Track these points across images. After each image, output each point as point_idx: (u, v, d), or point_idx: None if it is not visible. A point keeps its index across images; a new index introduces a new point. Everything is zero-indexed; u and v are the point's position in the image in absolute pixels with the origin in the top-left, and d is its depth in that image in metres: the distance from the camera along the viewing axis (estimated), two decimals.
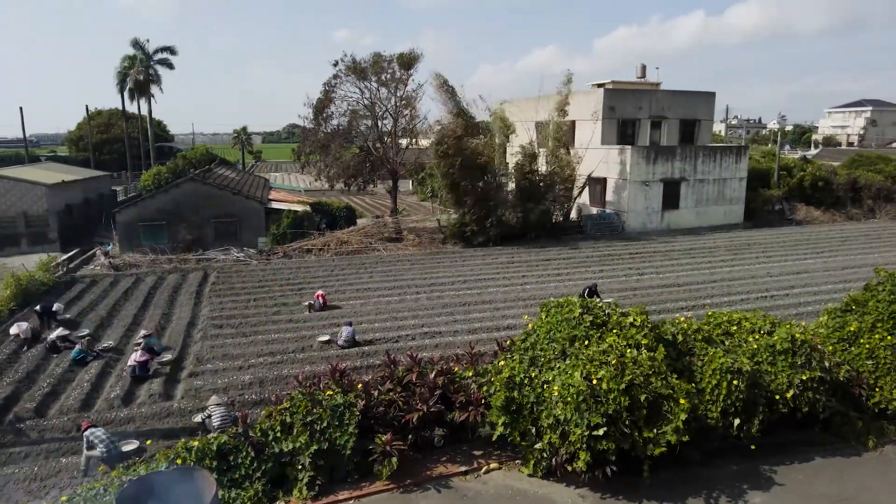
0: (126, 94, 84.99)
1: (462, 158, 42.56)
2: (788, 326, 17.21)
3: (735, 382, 14.99)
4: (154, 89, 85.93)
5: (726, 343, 17.21)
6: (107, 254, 41.09)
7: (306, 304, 29.48)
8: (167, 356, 23.39)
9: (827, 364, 16.52)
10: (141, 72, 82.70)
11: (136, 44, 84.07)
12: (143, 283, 34.14)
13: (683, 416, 13.95)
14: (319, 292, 29.85)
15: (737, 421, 15.05)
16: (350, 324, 24.91)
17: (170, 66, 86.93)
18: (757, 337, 17.10)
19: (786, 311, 26.86)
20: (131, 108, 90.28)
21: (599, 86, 53.97)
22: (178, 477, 11.84)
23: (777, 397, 15.70)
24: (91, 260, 40.77)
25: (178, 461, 13.82)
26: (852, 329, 18.59)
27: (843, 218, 55.68)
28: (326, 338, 24.64)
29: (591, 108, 49.14)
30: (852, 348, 18.23)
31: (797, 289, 31.46)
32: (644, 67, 57.15)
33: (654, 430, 14.01)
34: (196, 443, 14.29)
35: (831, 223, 53.76)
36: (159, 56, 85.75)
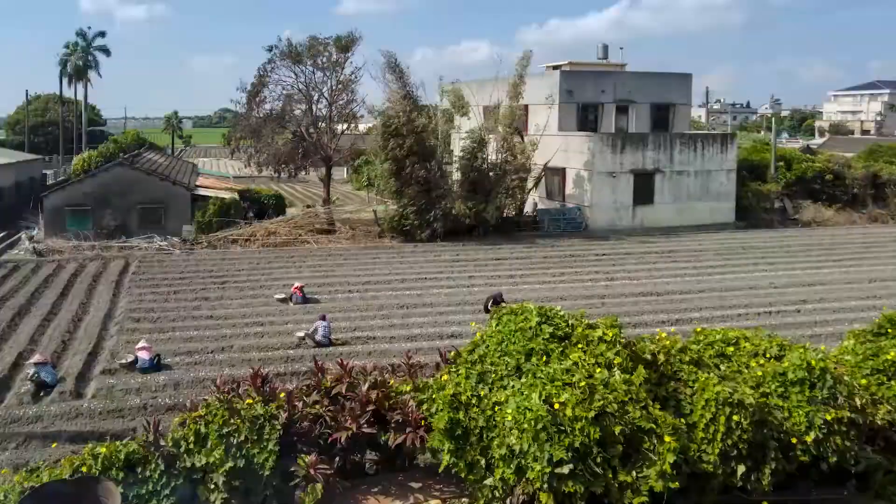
0: (66, 79, 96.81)
1: (413, 139, 42.54)
2: (802, 350, 15.37)
3: (735, 418, 13.14)
4: (92, 75, 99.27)
5: (721, 367, 15.51)
6: (31, 238, 43.19)
7: (279, 297, 30.04)
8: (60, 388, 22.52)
9: (858, 402, 14.68)
10: (80, 58, 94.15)
11: (81, 33, 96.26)
12: (63, 271, 35.72)
13: (671, 459, 12.42)
14: (297, 285, 30.30)
15: (741, 468, 13.17)
16: (324, 317, 25.10)
17: (106, 52, 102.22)
18: (762, 362, 15.37)
19: (797, 331, 25.40)
20: (69, 93, 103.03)
21: (555, 67, 54.59)
22: (80, 487, 11.75)
23: (794, 440, 13.81)
24: (16, 244, 43.36)
25: (83, 469, 13.18)
26: (890, 357, 16.14)
27: (863, 219, 54.05)
28: (301, 333, 24.76)
29: (546, 91, 48.82)
30: (892, 382, 15.83)
31: (810, 304, 30.03)
32: (606, 47, 58.36)
33: (634, 473, 12.61)
34: (103, 450, 13.55)
35: (849, 225, 52.37)
36: (98, 42, 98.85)
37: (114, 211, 45.22)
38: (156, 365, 21.76)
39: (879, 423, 14.56)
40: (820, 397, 13.80)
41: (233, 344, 24.20)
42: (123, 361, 22.03)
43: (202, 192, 51.99)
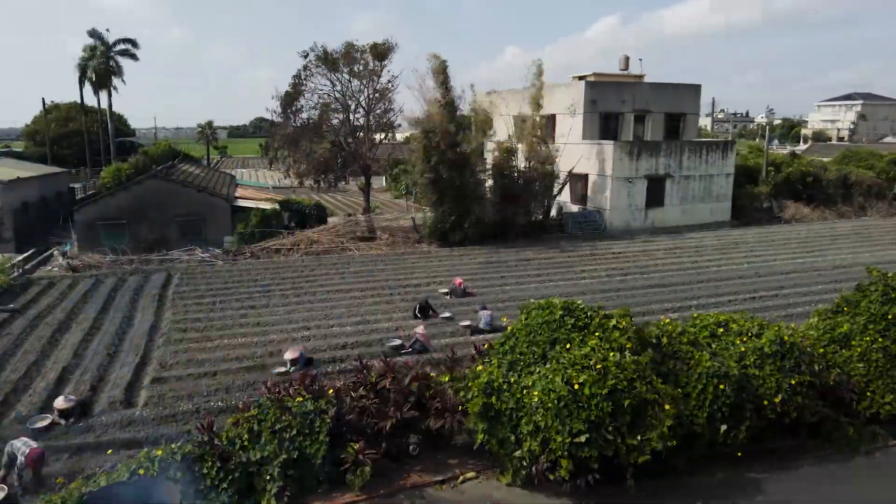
0: (87, 86, 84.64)
1: (451, 151, 42.28)
2: (777, 329, 17.36)
3: (722, 387, 15.07)
4: (117, 82, 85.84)
5: (713, 346, 17.28)
6: (65, 254, 40.35)
7: (444, 291, 31.40)
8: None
9: (817, 367, 16.66)
10: (101, 63, 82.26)
11: (95, 34, 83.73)
12: (102, 286, 33.59)
13: (669, 423, 13.99)
14: (459, 279, 31.60)
15: (724, 427, 15.09)
16: (485, 306, 26.57)
17: (133, 56, 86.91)
18: (744, 339, 17.23)
19: (775, 313, 26.97)
20: (92, 101, 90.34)
21: (581, 78, 53.82)
22: (141, 488, 11.85)
23: (765, 402, 15.78)
24: (48, 261, 39.86)
25: (141, 472, 13.53)
26: (843, 331, 18.69)
27: (833, 215, 55.95)
28: (467, 323, 26.10)
29: (571, 101, 49.00)
30: (843, 351, 18.31)
31: (787, 289, 31.64)
32: (627, 59, 57.07)
33: (639, 437, 14.02)
34: (159, 452, 14.06)
35: (821, 221, 54.05)
36: (120, 47, 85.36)
37: (151, 224, 43.93)
38: (307, 362, 21.64)
39: (832, 383, 16.93)
40: (788, 366, 16.13)
41: (280, 349, 23.53)
42: (281, 370, 21.54)
43: (242, 203, 50.80)
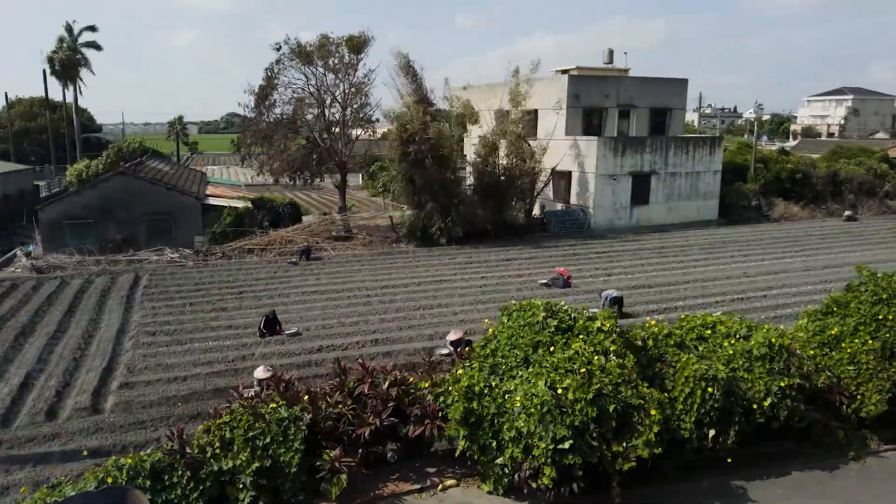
0: (54, 79, 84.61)
1: (430, 147, 42.22)
2: (766, 330, 17.43)
3: (710, 390, 15.08)
4: (85, 74, 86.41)
5: (700, 348, 17.35)
6: (29, 254, 40.13)
7: (542, 281, 32.80)
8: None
9: (806, 370, 16.75)
10: (67, 54, 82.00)
11: (68, 27, 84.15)
12: (68, 287, 33.46)
13: (656, 428, 14.02)
14: (563, 269, 33.09)
15: (711, 432, 15.11)
16: (606, 291, 28.19)
17: (97, 47, 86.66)
18: (733, 342, 17.30)
19: (763, 314, 27.06)
20: (58, 96, 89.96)
21: (563, 72, 54.00)
22: (108, 498, 11.67)
23: (754, 406, 15.84)
24: (11, 262, 39.87)
25: (109, 480, 13.42)
26: (833, 332, 18.75)
27: (823, 214, 56.32)
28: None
29: (554, 96, 48.97)
30: (833, 353, 18.38)
31: (775, 290, 31.86)
32: (611, 52, 57.21)
33: (624, 444, 14.07)
34: (128, 460, 13.92)
35: (811, 219, 54.42)
36: (86, 37, 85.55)
37: (118, 223, 43.61)
38: (467, 343, 20.94)
39: (820, 386, 17.07)
40: (777, 369, 16.22)
41: (254, 352, 23.77)
42: (444, 351, 22.27)
43: (213, 201, 50.71)
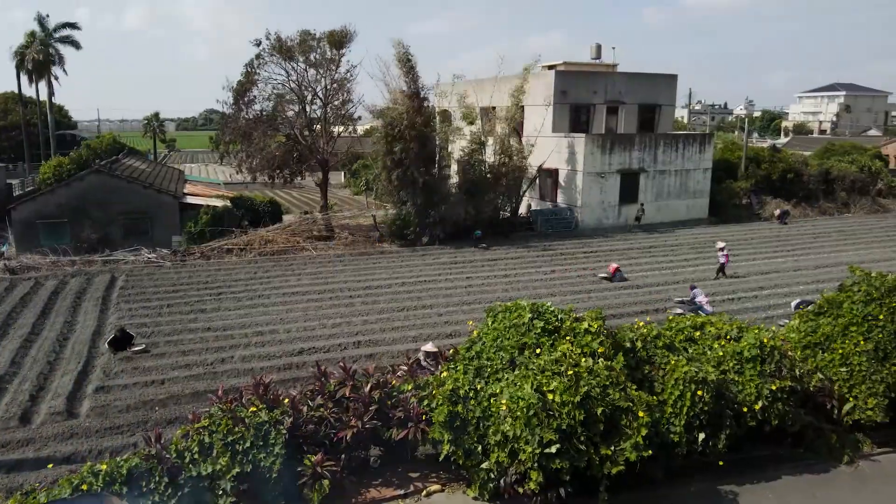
0: (24, 76, 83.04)
1: (417, 144, 42.17)
2: (757, 331, 17.47)
3: (700, 393, 15.09)
4: (57, 71, 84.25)
5: (690, 350, 17.35)
6: (1, 255, 39.96)
7: (602, 275, 34.04)
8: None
9: (798, 372, 16.79)
10: (40, 51, 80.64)
11: (40, 20, 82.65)
12: (42, 288, 33.38)
13: (644, 432, 14.02)
14: (614, 265, 34.15)
15: (702, 435, 15.14)
16: (695, 286, 28.97)
17: (74, 44, 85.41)
18: (723, 343, 17.32)
19: (754, 315, 27.26)
20: (30, 91, 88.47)
21: (550, 67, 53.91)
22: None
23: (745, 409, 15.86)
24: None
25: (84, 487, 13.41)
26: (825, 333, 18.81)
27: (814, 212, 56.55)
28: (679, 298, 29.35)
29: (541, 92, 48.93)
30: (825, 354, 18.43)
31: (766, 290, 32.01)
32: (599, 47, 57.21)
33: (612, 447, 14.06)
34: (104, 466, 13.86)
35: (803, 218, 54.59)
36: (62, 33, 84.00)
37: (93, 223, 43.41)
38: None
39: (812, 388, 17.14)
40: (768, 371, 16.24)
41: (233, 355, 23.73)
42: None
43: (191, 200, 50.55)
